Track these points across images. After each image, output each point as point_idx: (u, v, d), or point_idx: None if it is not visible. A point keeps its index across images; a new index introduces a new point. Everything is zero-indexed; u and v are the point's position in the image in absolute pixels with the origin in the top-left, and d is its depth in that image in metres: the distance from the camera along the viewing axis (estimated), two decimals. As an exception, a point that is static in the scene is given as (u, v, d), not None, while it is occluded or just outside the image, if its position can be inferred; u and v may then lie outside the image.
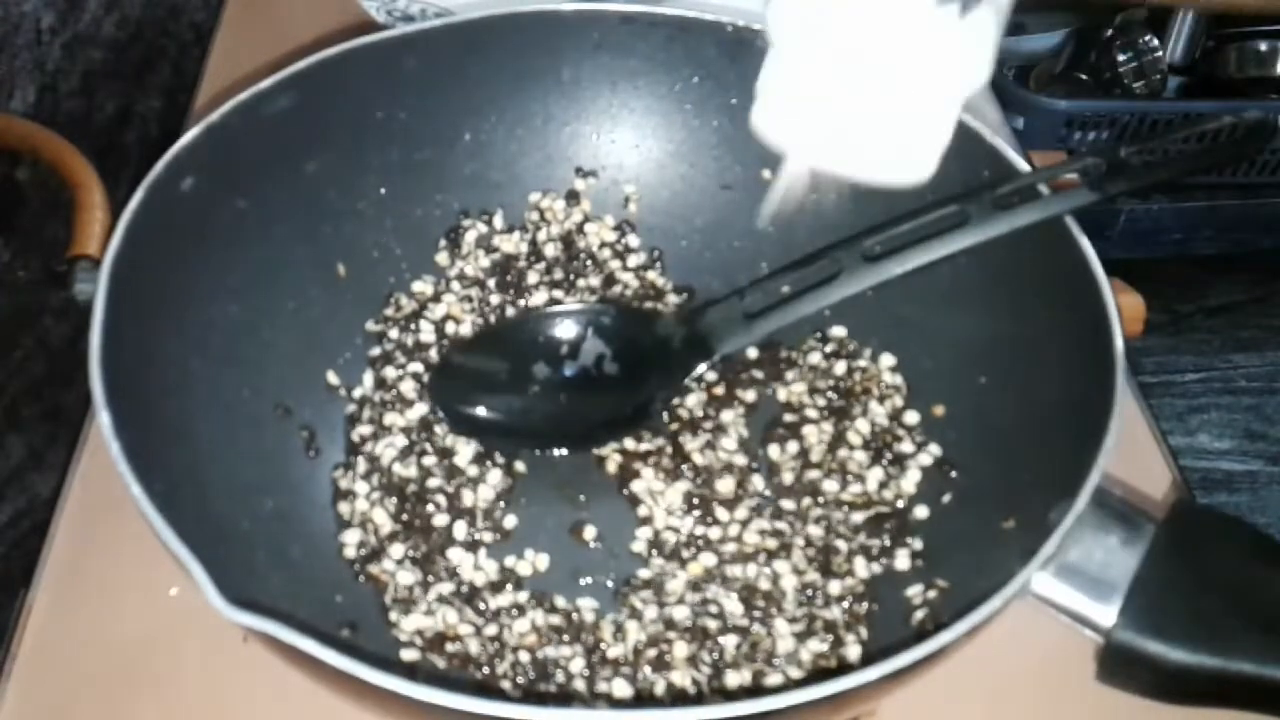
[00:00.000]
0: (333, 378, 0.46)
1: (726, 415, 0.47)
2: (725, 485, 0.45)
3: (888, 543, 0.43)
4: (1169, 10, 1.01)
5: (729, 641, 0.40)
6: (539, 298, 0.50)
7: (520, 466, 0.45)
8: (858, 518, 0.44)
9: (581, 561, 0.43)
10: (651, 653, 0.40)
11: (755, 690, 0.39)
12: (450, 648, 0.40)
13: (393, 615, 0.41)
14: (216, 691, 0.40)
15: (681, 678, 0.39)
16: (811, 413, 0.47)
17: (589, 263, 0.51)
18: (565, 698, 0.39)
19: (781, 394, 0.48)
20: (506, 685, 0.39)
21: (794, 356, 0.49)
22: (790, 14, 0.31)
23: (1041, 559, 0.33)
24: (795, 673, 0.39)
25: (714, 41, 0.48)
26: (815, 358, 0.48)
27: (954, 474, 0.44)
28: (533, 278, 0.50)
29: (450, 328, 0.49)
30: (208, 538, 0.31)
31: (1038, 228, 0.40)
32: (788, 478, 0.45)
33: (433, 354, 0.48)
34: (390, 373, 0.47)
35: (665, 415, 0.47)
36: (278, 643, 0.29)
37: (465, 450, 0.45)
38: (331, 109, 0.46)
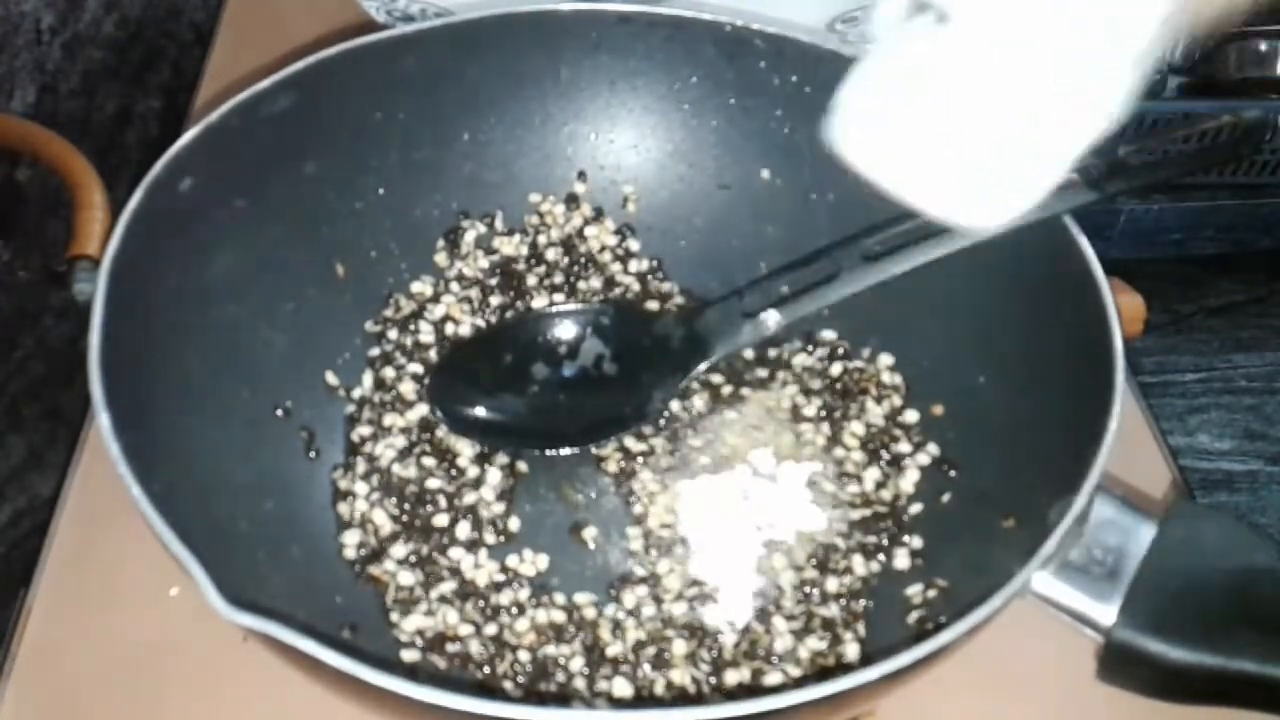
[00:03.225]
0: (332, 378, 0.46)
1: (727, 414, 0.47)
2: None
3: (885, 541, 0.43)
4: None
5: (727, 639, 0.40)
6: (539, 300, 0.50)
7: (520, 466, 0.45)
8: (855, 516, 0.44)
9: (581, 560, 0.43)
10: (651, 650, 0.40)
11: (754, 688, 0.39)
12: (450, 648, 0.40)
13: (393, 616, 0.41)
14: (216, 691, 0.40)
15: (681, 675, 0.39)
16: (809, 412, 0.47)
17: (590, 266, 0.51)
18: (565, 697, 0.39)
19: (780, 394, 0.48)
20: (507, 685, 0.39)
21: (792, 357, 0.49)
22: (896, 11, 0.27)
23: (1041, 558, 0.33)
24: (794, 671, 0.40)
25: (712, 41, 0.48)
26: (813, 358, 0.48)
27: (953, 473, 0.44)
28: (532, 280, 0.50)
29: (449, 328, 0.49)
30: (208, 538, 0.31)
31: (1038, 227, 0.39)
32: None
33: (432, 355, 0.48)
34: (389, 373, 0.47)
35: (665, 414, 0.47)
36: (278, 643, 0.29)
37: (465, 450, 0.45)
38: (331, 109, 0.46)
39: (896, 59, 0.27)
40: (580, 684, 0.39)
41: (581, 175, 0.51)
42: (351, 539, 0.42)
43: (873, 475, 0.45)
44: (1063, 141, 0.27)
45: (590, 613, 0.41)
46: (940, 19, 0.26)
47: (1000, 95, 0.26)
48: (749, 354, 0.49)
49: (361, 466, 0.44)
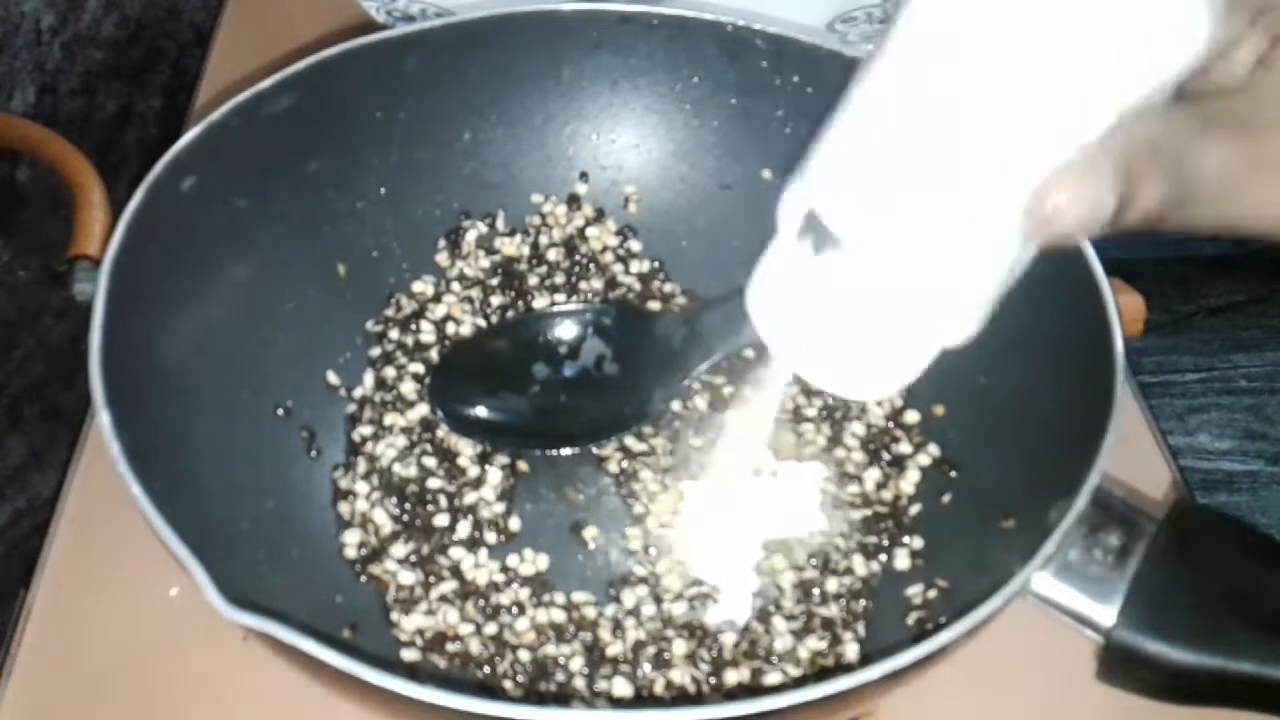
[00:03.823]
0: (333, 378, 0.46)
1: (729, 414, 0.47)
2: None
3: (885, 541, 0.43)
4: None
5: (727, 639, 0.40)
6: (540, 301, 0.50)
7: (521, 466, 0.45)
8: (855, 516, 0.44)
9: (581, 560, 0.43)
10: (651, 650, 0.40)
11: (754, 688, 0.39)
12: (451, 647, 0.40)
13: (393, 615, 0.41)
14: (216, 691, 0.40)
15: (681, 675, 0.39)
16: (809, 412, 0.47)
17: (591, 267, 0.51)
18: (565, 696, 0.39)
19: (780, 394, 0.48)
20: (507, 684, 0.39)
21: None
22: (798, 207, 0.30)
23: (1041, 559, 0.33)
24: (794, 670, 0.40)
25: (714, 41, 0.48)
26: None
27: (953, 474, 0.44)
28: (534, 280, 0.50)
29: (450, 328, 0.49)
30: (208, 538, 0.31)
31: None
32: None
33: (433, 354, 0.48)
34: (390, 373, 0.47)
35: (666, 414, 0.47)
36: (278, 643, 0.29)
37: (466, 450, 0.45)
38: (331, 109, 0.46)
39: (795, 275, 0.31)
40: (580, 684, 0.39)
41: (583, 175, 0.51)
42: (352, 538, 0.42)
43: (873, 475, 0.45)
44: (932, 344, 0.31)
45: (590, 612, 0.41)
46: (834, 245, 0.29)
47: (882, 313, 0.30)
48: (750, 354, 0.49)
49: (362, 466, 0.44)
